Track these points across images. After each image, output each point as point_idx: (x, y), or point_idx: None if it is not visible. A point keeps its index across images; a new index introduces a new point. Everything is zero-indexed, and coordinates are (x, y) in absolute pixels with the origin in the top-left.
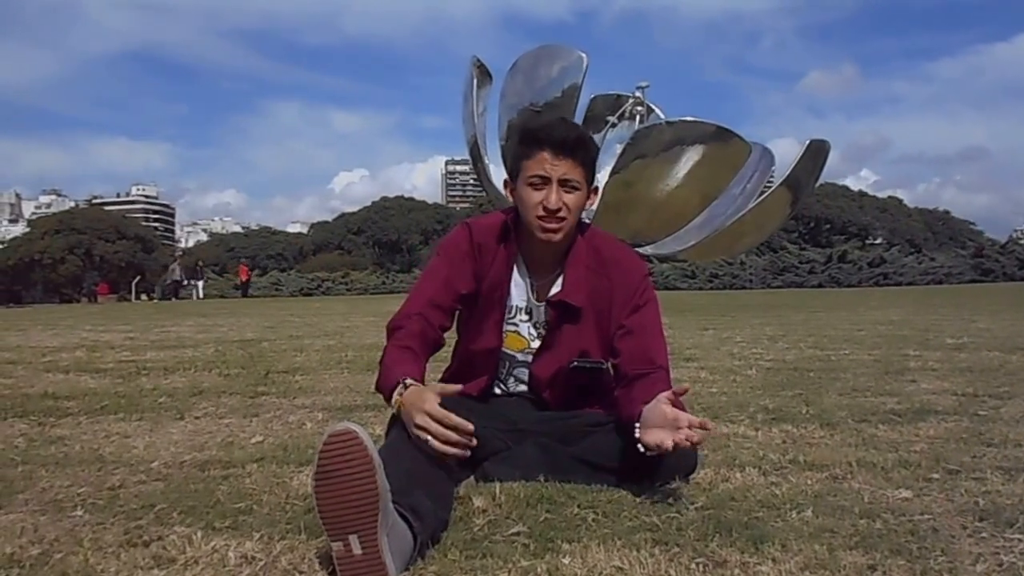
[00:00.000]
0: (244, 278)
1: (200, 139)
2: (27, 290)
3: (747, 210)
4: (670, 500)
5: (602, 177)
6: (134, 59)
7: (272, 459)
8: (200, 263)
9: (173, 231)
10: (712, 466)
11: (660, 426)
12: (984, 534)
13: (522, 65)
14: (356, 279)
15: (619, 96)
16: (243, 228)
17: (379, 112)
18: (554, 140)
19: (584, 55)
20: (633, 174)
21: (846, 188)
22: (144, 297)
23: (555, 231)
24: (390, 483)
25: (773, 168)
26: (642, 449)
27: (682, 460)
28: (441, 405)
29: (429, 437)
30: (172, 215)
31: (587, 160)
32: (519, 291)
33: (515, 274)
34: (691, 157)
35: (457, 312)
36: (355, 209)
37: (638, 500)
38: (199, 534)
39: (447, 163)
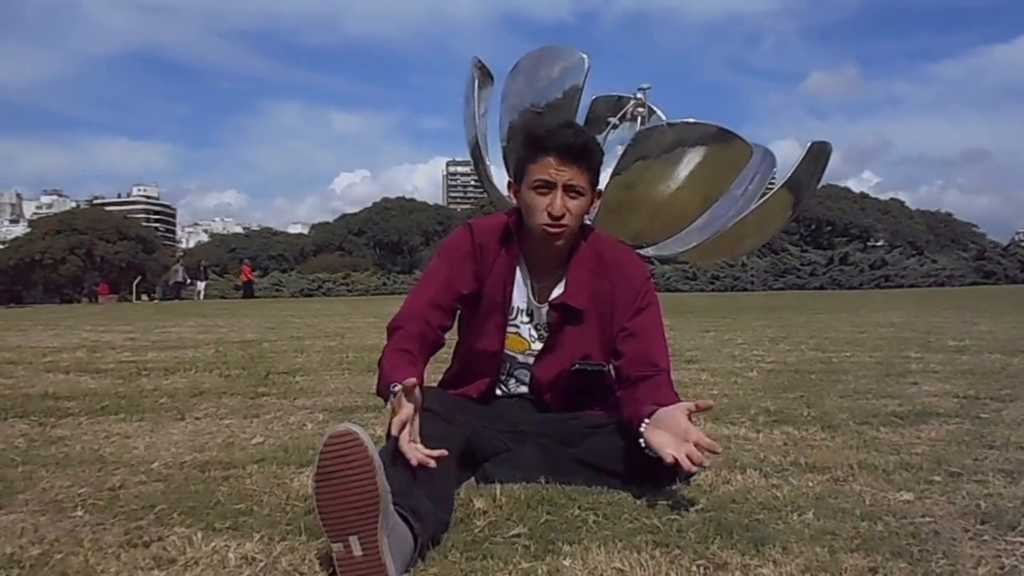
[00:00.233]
0: (246, 279)
1: (201, 139)
2: (28, 290)
3: (748, 212)
4: (671, 502)
5: (603, 179)
6: (135, 59)
7: (272, 460)
8: (203, 264)
9: (174, 232)
10: (713, 468)
11: (670, 431)
12: (986, 537)
13: (523, 66)
14: (357, 280)
15: (620, 97)
16: (244, 229)
17: (380, 113)
18: (560, 146)
19: (585, 56)
20: (634, 175)
21: (848, 190)
22: (145, 297)
23: (558, 235)
24: (391, 484)
25: (774, 170)
26: (643, 444)
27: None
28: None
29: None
30: (173, 216)
31: (592, 166)
32: (520, 293)
33: (517, 276)
34: (692, 159)
35: (458, 313)
36: (356, 210)
37: (639, 502)
38: (199, 535)
39: (448, 164)
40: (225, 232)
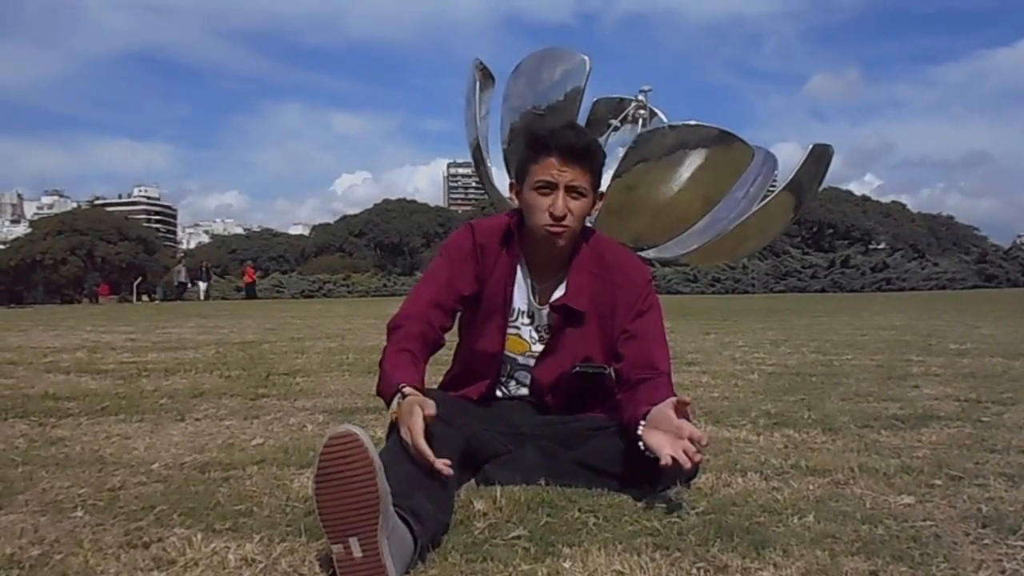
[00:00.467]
0: (250, 280)
1: (202, 140)
2: (28, 291)
3: (750, 214)
4: (671, 505)
5: (604, 181)
6: (136, 60)
7: (272, 461)
8: (205, 264)
9: (175, 232)
10: (713, 471)
11: (664, 430)
12: (987, 541)
13: (525, 68)
14: (357, 281)
15: (622, 99)
16: (245, 230)
17: (381, 114)
18: (563, 146)
19: (587, 58)
20: (635, 178)
21: (849, 193)
22: (145, 298)
23: (559, 235)
24: (391, 486)
25: (776, 172)
26: (642, 447)
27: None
28: (438, 413)
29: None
30: (174, 216)
31: (595, 167)
32: (521, 294)
33: (518, 277)
34: (694, 161)
35: (458, 313)
36: (357, 211)
37: (639, 504)
38: (199, 536)
39: (449, 166)
40: (226, 233)
